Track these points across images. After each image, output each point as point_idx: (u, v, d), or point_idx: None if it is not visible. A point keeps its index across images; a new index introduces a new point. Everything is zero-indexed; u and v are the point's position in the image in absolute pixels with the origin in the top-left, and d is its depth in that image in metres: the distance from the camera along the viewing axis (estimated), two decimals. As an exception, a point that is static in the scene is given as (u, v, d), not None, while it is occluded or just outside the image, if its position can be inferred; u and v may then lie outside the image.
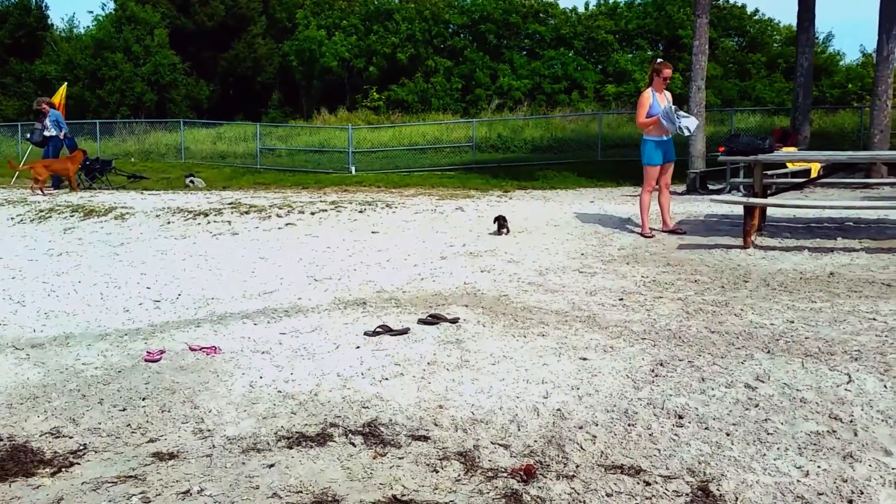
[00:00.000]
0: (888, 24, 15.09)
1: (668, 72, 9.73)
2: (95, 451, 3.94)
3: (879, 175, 13.98)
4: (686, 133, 9.74)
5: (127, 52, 38.92)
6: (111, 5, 42.78)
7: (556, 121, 29.82)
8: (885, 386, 4.39)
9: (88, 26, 48.20)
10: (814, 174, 11.69)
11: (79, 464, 3.80)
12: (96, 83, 38.57)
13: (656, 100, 9.62)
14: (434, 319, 6.06)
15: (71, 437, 4.13)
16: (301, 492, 3.43)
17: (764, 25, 43.47)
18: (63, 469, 3.74)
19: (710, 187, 15.12)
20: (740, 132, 15.90)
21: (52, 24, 45.17)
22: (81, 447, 4.00)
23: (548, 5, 43.41)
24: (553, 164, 21.53)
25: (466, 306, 6.54)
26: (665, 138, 9.69)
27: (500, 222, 10.30)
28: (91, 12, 46.54)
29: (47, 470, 3.72)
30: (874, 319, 5.78)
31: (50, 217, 12.87)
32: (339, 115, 36.39)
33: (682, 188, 14.94)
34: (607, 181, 17.43)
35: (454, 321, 6.03)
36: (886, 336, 5.35)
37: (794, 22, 18.36)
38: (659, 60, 10.24)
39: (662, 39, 42.63)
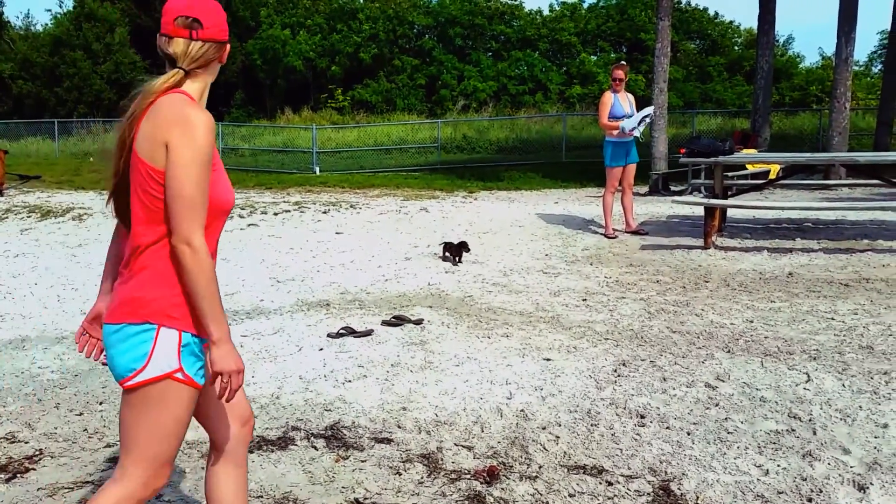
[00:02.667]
0: (846, 28, 15.36)
1: (617, 73, 9.82)
2: (52, 457, 3.86)
3: (838, 176, 14.23)
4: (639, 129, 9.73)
5: (86, 49, 38.32)
6: (69, 3, 42.15)
7: (521, 122, 29.91)
8: (843, 385, 4.46)
9: (46, 24, 47.40)
10: (773, 175, 11.87)
11: (34, 469, 3.72)
12: (54, 81, 37.93)
13: (617, 101, 9.69)
14: (398, 321, 6.05)
15: (27, 443, 4.04)
16: (262, 496, 3.40)
17: (724, 28, 44.00)
18: (18, 475, 3.66)
19: (672, 188, 15.28)
20: (701, 134, 16.12)
21: (8, 22, 44.32)
22: (37, 452, 3.91)
23: (513, 7, 43.54)
24: (518, 164, 21.60)
25: (431, 307, 6.53)
26: (627, 140, 9.76)
27: (453, 250, 8.57)
28: (49, 10, 45.83)
29: (2, 476, 3.64)
30: (832, 319, 5.87)
31: (6, 218, 12.63)
32: (303, 115, 36.14)
33: (645, 189, 15.08)
34: (572, 182, 17.53)
35: (418, 322, 6.02)
36: (845, 335, 5.44)
37: (754, 25, 18.62)
38: (620, 62, 10.32)
39: (626, 42, 42.96)
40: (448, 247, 8.62)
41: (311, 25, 41.32)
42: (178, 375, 2.21)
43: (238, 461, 2.57)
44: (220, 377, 2.22)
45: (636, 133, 9.65)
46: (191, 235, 2.13)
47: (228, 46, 2.40)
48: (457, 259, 8.47)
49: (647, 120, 9.76)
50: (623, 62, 10.40)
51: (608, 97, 9.75)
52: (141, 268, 2.21)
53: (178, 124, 2.14)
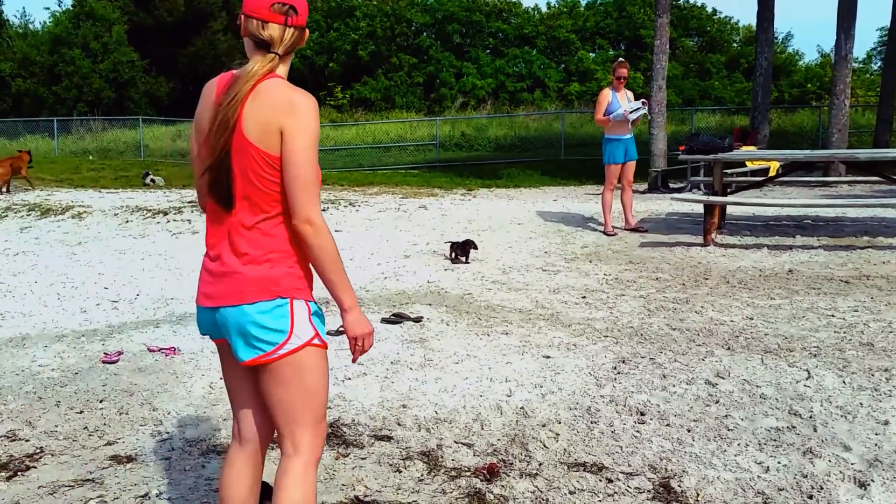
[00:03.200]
0: (846, 24, 15.32)
1: (621, 71, 9.79)
2: (52, 455, 3.85)
3: (837, 173, 14.22)
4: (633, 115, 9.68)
5: (85, 48, 38.26)
6: (68, 1, 42.06)
7: (520, 119, 29.90)
8: (843, 382, 4.46)
9: (45, 22, 47.37)
10: (772, 173, 11.86)
11: (35, 467, 3.72)
12: (53, 80, 37.88)
13: (616, 98, 9.67)
14: (398, 318, 6.04)
15: (27, 441, 4.04)
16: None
17: (723, 25, 44.02)
18: (19, 473, 3.66)
19: (672, 186, 15.27)
20: (700, 131, 16.11)
21: (7, 20, 44.27)
22: (38, 450, 3.91)
23: (511, 4, 43.51)
24: (517, 162, 21.58)
25: (430, 305, 6.53)
26: (626, 136, 9.75)
27: (459, 249, 8.49)
28: (47, 8, 45.69)
29: (3, 474, 3.64)
30: (833, 316, 5.87)
31: (6, 216, 12.61)
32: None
33: (644, 187, 15.07)
34: (570, 180, 17.52)
35: (418, 320, 6.02)
36: (845, 332, 5.44)
37: (753, 22, 18.60)
38: (620, 60, 10.31)
39: (624, 39, 42.96)
40: (454, 246, 8.51)
41: (308, 23, 41.22)
42: (316, 341, 2.39)
43: (258, 459, 2.59)
44: (355, 340, 2.41)
45: (631, 116, 9.57)
46: (311, 214, 2.26)
47: (307, 32, 2.46)
48: (464, 258, 8.38)
49: (640, 112, 9.70)
50: (622, 59, 10.37)
51: (606, 94, 9.73)
52: (260, 248, 2.31)
53: (292, 110, 2.25)
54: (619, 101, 9.68)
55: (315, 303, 2.43)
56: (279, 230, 2.32)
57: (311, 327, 2.38)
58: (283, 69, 2.39)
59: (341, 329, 5.67)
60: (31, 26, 44.50)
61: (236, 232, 2.33)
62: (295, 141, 2.23)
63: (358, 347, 2.44)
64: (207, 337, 2.53)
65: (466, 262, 8.31)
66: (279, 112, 2.24)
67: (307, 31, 2.46)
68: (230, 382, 2.57)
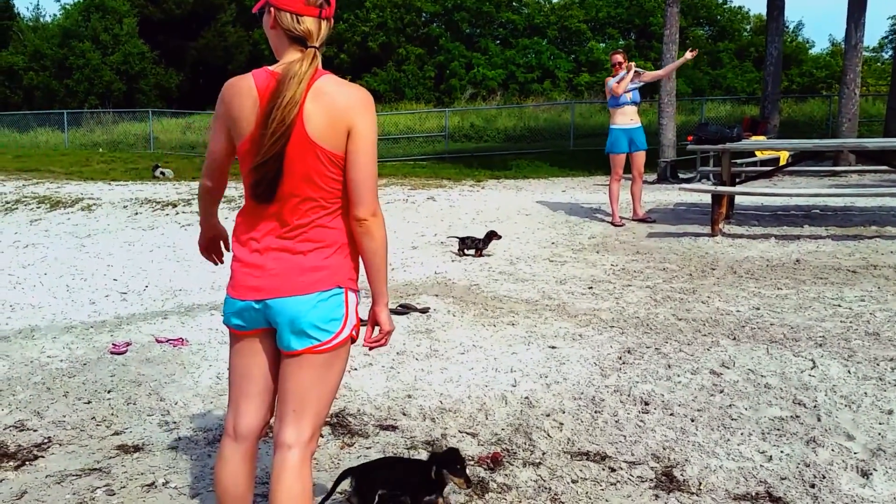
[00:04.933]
0: (856, 14, 15.24)
1: (615, 57, 9.74)
2: (60, 444, 3.89)
3: (847, 163, 14.15)
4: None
5: (95, 40, 38.37)
6: (78, -7, 42.18)
7: (529, 110, 29.84)
8: (848, 371, 4.45)
9: (55, 15, 47.51)
10: (783, 162, 11.82)
11: (43, 457, 3.76)
12: (63, 72, 38.02)
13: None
14: (404, 309, 6.06)
15: (35, 431, 4.08)
16: (267, 482, 3.41)
17: (733, 14, 43.75)
18: (27, 462, 3.70)
19: (681, 176, 15.23)
20: (709, 121, 16.03)
21: (19, 14, 44.43)
22: (46, 440, 3.95)
23: (521, -6, 43.39)
24: (526, 153, 21.57)
25: (437, 296, 6.54)
26: (631, 126, 9.72)
27: (482, 242, 8.33)
28: (58, 1, 45.85)
29: (11, 463, 3.68)
30: (839, 306, 5.85)
31: (16, 209, 12.70)
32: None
33: (654, 177, 15.03)
34: (579, 170, 17.49)
35: (424, 311, 6.03)
36: (851, 322, 5.43)
37: (763, 11, 18.51)
38: (618, 49, 10.29)
39: (634, 28, 42.76)
40: (468, 241, 8.37)
41: (322, 14, 41.18)
42: (354, 333, 2.45)
43: (253, 454, 2.60)
44: (388, 334, 2.51)
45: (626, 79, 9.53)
46: (377, 206, 2.37)
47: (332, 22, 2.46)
48: (482, 251, 8.26)
49: (629, 75, 9.63)
50: (619, 49, 10.34)
51: (610, 80, 9.75)
52: (318, 240, 2.35)
53: (361, 109, 2.30)
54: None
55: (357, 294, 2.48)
56: (337, 222, 2.37)
57: (356, 318, 2.45)
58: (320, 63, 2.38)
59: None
60: (42, 19, 44.65)
61: (286, 228, 2.34)
62: (365, 138, 2.29)
63: (382, 341, 2.52)
64: (215, 328, 2.55)
65: (477, 256, 8.23)
66: (348, 112, 2.27)
67: (332, 21, 2.45)
68: (246, 371, 2.52)
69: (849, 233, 8.61)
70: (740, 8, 44.33)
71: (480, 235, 8.39)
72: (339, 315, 2.38)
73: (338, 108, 2.27)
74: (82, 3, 40.57)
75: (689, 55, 9.82)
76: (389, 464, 3.29)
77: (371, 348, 2.55)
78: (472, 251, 8.28)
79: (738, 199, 10.43)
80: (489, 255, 8.18)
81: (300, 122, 2.25)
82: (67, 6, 42.38)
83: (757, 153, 12.83)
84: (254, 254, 2.39)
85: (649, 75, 10.19)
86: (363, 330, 2.53)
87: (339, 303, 2.38)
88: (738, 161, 12.22)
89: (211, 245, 2.79)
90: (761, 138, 14.29)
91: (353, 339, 2.47)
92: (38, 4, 63.14)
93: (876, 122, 22.36)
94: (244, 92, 2.31)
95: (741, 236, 8.72)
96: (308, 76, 2.26)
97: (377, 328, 2.51)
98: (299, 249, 2.35)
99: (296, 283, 2.34)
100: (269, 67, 2.33)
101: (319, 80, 2.29)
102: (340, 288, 2.38)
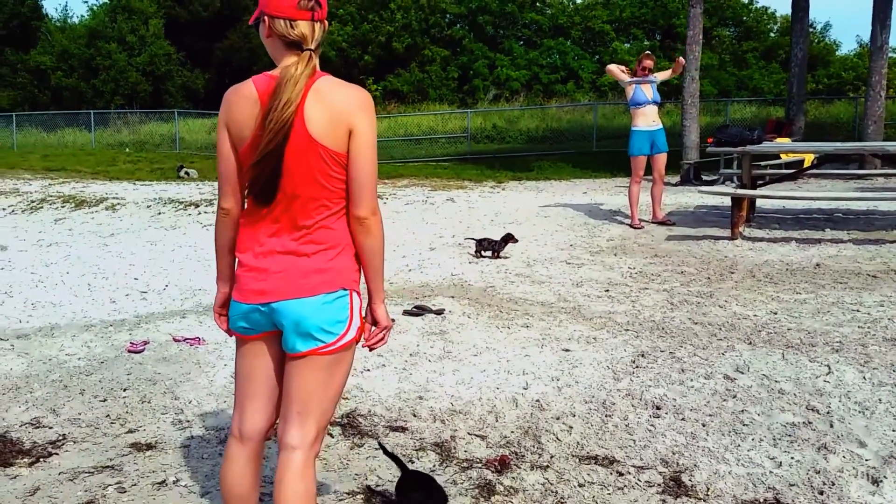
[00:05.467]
0: (882, 15, 15.08)
1: (647, 62, 9.71)
2: (74, 442, 3.94)
3: (873, 166, 13.98)
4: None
5: (122, 41, 38.80)
6: (106, -6, 42.64)
7: (552, 111, 29.78)
8: (864, 377, 4.41)
9: (83, 16, 48.00)
10: (807, 164, 11.71)
11: (57, 454, 3.81)
12: (91, 73, 38.46)
13: (640, 88, 9.61)
14: (419, 311, 6.07)
15: (51, 428, 4.13)
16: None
17: (759, 14, 43.35)
18: (41, 459, 3.75)
19: (705, 178, 15.13)
20: (732, 123, 15.90)
21: (47, 14, 45.00)
22: (61, 437, 4.00)
23: (545, -5, 43.25)
24: (548, 154, 21.53)
25: (453, 297, 6.55)
26: (653, 128, 9.68)
27: (497, 245, 8.31)
28: (85, 2, 46.47)
29: (25, 460, 3.73)
30: (857, 311, 5.80)
31: (41, 208, 12.87)
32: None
33: (677, 179, 14.95)
34: (602, 172, 17.42)
35: (439, 312, 6.04)
36: (869, 327, 5.38)
37: (789, 11, 18.33)
38: (646, 52, 10.24)
39: (658, 29, 42.51)
40: (485, 243, 8.35)
41: (342, 15, 41.37)
42: (358, 334, 2.48)
43: (259, 455, 2.62)
44: (387, 330, 2.55)
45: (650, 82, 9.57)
46: (376, 205, 2.40)
47: (328, 24, 2.49)
48: (498, 253, 8.24)
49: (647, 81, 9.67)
50: (648, 52, 10.28)
51: (629, 82, 9.74)
52: (322, 242, 2.37)
53: (361, 109, 2.34)
54: (643, 90, 9.61)
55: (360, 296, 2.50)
56: (340, 223, 2.39)
57: (361, 319, 2.47)
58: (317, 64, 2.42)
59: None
60: (69, 20, 45.19)
61: (290, 230, 2.37)
62: (365, 138, 2.32)
63: (381, 338, 2.54)
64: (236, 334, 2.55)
65: (494, 258, 8.22)
66: (348, 111, 2.31)
67: (327, 23, 2.48)
68: (251, 373, 2.55)
69: (871, 237, 8.52)
70: (766, 8, 43.93)
71: (498, 237, 8.37)
72: (343, 317, 2.40)
73: (339, 109, 2.31)
74: (109, 4, 41.02)
75: (671, 72, 9.74)
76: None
77: (371, 348, 2.56)
78: (488, 253, 8.26)
79: (760, 203, 10.35)
80: (506, 258, 8.17)
81: (302, 123, 2.28)
82: (94, 7, 42.90)
83: (782, 155, 12.73)
84: (258, 257, 2.41)
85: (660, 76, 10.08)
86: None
87: (345, 305, 2.40)
88: (763, 163, 12.14)
89: (228, 304, 2.60)
90: (786, 140, 14.17)
91: (358, 342, 2.49)
92: (66, 5, 63.91)
93: (904, 125, 22.09)
94: (246, 96, 2.36)
95: (761, 240, 8.65)
96: (305, 77, 2.30)
97: (375, 326, 2.54)
98: (304, 251, 2.37)
99: (300, 286, 2.36)
100: (269, 72, 2.37)
101: (319, 81, 2.33)
102: (345, 290, 2.40)
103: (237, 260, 2.50)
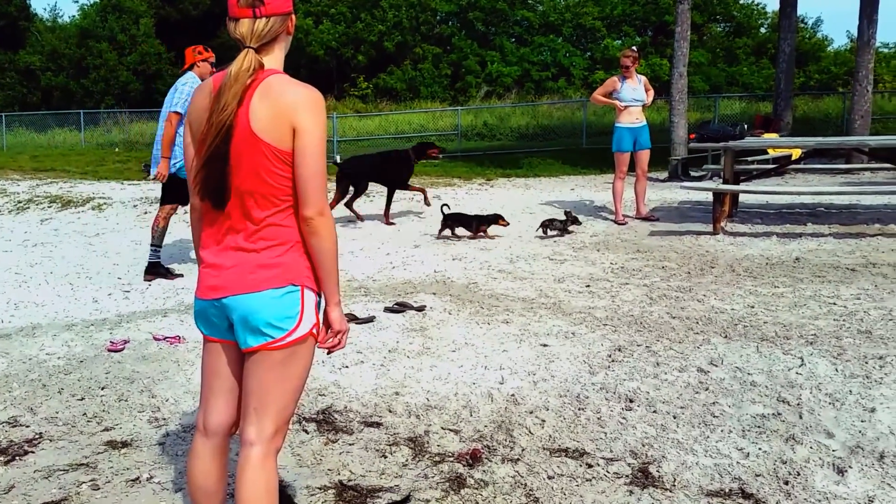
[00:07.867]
0: (869, 10, 15.13)
1: (624, 60, 9.73)
2: (50, 440, 3.97)
3: (860, 160, 14.04)
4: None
5: (112, 41, 38.71)
6: (96, -7, 42.52)
7: (543, 108, 29.77)
8: (836, 369, 4.45)
9: (73, 15, 47.89)
10: (795, 157, 11.75)
11: (33, 452, 3.83)
12: (81, 73, 38.37)
13: (626, 84, 9.65)
14: (400, 307, 6.10)
15: (28, 426, 4.15)
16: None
17: (749, 10, 43.43)
18: (17, 457, 3.77)
19: (692, 174, 15.16)
20: (719, 119, 15.95)
21: (36, 14, 44.86)
22: (37, 436, 4.02)
23: (536, -8, 43.27)
24: (538, 151, 21.52)
25: (435, 294, 6.58)
26: (636, 125, 9.72)
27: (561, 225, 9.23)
28: (76, 1, 46.36)
29: (1, 458, 3.75)
30: (834, 304, 5.84)
31: (28, 208, 12.86)
32: (326, 104, 36.21)
33: (665, 175, 14.97)
34: (591, 169, 17.42)
35: (420, 309, 6.07)
36: (844, 320, 5.42)
37: (777, 7, 18.39)
38: (632, 48, 10.27)
39: (650, 26, 42.57)
40: (554, 223, 9.12)
41: (334, 14, 41.33)
42: (314, 331, 2.48)
43: (224, 450, 2.66)
44: (340, 334, 2.53)
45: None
46: (324, 205, 2.38)
47: (294, 17, 2.49)
48: (565, 230, 9.13)
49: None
50: (633, 48, 10.31)
51: (614, 80, 9.78)
52: (271, 238, 2.39)
53: (305, 107, 2.33)
54: (630, 87, 9.65)
55: (318, 294, 2.50)
56: (290, 220, 2.40)
57: (315, 316, 2.47)
58: (274, 61, 2.43)
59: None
60: (59, 20, 45.05)
61: (242, 226, 2.40)
62: (310, 135, 2.32)
63: (336, 342, 2.54)
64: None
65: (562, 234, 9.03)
66: (292, 109, 2.31)
67: (293, 16, 2.48)
68: (214, 369, 2.59)
69: (851, 231, 8.57)
70: (756, 3, 44.01)
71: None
72: (293, 313, 2.41)
73: (282, 105, 2.32)
74: (99, 3, 40.90)
75: (619, 104, 9.76)
76: None
77: (329, 351, 2.58)
78: (554, 232, 9.10)
79: (744, 198, 10.40)
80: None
81: (245, 119, 2.31)
82: (85, 6, 42.76)
83: (769, 151, 12.77)
84: (216, 254, 2.45)
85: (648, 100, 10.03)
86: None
87: (294, 300, 2.41)
88: (750, 159, 12.17)
89: None
90: (774, 136, 14.22)
91: (316, 338, 2.51)
92: (55, 5, 63.73)
93: (892, 120, 22.19)
94: (205, 92, 2.41)
95: (743, 234, 8.70)
96: (244, 75, 2.32)
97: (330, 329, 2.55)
98: (253, 247, 2.40)
99: (248, 281, 2.39)
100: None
101: (270, 79, 2.36)
102: (295, 286, 2.41)
103: (198, 258, 2.53)
